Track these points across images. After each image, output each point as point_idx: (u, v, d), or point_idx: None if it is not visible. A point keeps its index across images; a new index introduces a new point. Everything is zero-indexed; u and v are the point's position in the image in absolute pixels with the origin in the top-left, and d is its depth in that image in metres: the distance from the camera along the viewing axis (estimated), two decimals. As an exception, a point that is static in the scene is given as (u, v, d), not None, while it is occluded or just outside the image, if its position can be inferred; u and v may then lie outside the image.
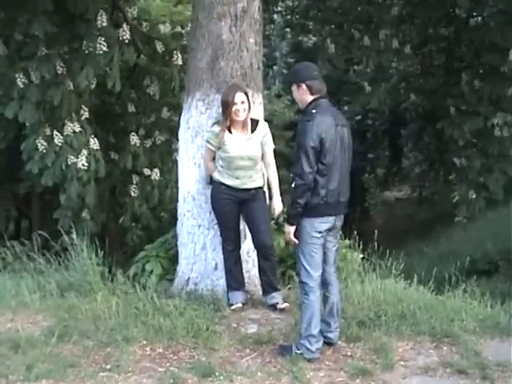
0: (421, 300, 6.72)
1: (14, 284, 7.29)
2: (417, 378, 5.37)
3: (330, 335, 5.80)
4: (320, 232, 5.50)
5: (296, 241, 5.56)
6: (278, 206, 6.67)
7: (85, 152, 9.81)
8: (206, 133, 6.82)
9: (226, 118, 6.38)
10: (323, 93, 5.59)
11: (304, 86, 5.55)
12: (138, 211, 11.23)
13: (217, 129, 6.49)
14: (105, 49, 9.50)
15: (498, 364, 5.52)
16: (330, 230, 5.61)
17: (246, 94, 6.45)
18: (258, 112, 6.99)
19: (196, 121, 6.95)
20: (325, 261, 5.69)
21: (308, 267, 5.52)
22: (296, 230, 5.57)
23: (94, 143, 10.03)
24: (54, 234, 9.27)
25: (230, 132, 6.45)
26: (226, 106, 6.33)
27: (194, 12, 7.16)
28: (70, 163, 9.71)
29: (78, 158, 9.73)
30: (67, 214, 10.60)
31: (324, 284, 5.71)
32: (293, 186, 5.40)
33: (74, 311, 6.49)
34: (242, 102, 6.35)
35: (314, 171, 5.35)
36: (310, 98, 5.54)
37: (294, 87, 5.64)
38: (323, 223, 5.51)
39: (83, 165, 9.70)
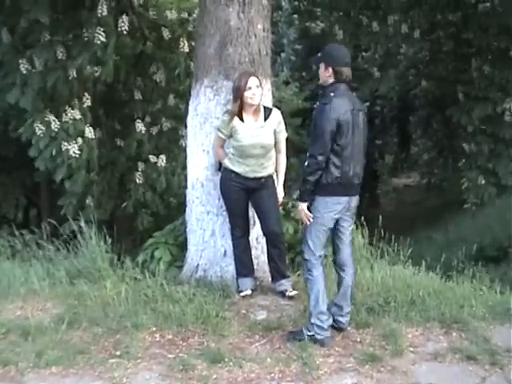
0: (430, 286, 6.70)
1: (24, 271, 7.31)
2: (426, 363, 5.37)
3: (341, 319, 5.82)
4: (333, 212, 5.55)
5: (310, 215, 5.60)
6: (280, 194, 6.73)
7: (79, 140, 9.80)
8: (214, 119, 6.82)
9: (237, 103, 6.35)
10: (347, 79, 5.64)
11: (331, 70, 5.58)
12: (141, 198, 11.24)
13: (227, 117, 6.47)
14: (102, 39, 9.45)
15: (507, 350, 5.52)
16: (344, 210, 5.66)
17: (259, 79, 6.44)
18: (267, 98, 6.97)
19: (204, 107, 6.93)
20: (341, 241, 5.80)
21: (312, 245, 5.60)
22: (309, 209, 5.64)
23: (89, 132, 10.01)
24: (62, 222, 9.30)
25: (242, 120, 6.42)
26: (239, 91, 6.30)
27: (202, -2, 7.13)
28: (63, 149, 9.71)
29: (71, 145, 9.73)
30: (72, 201, 10.63)
31: (340, 265, 5.80)
32: (305, 164, 5.53)
33: (83, 298, 6.51)
34: (257, 86, 6.34)
35: (327, 153, 5.44)
36: (332, 80, 5.60)
37: (322, 65, 5.66)
38: (336, 204, 5.56)
39: (74, 152, 9.69)
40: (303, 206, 5.62)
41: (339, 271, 5.82)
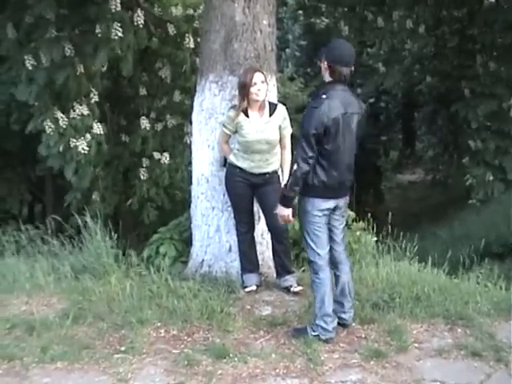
0: (435, 282, 6.69)
1: (29, 267, 7.31)
2: (431, 360, 5.36)
3: (343, 316, 5.81)
4: (321, 210, 5.50)
5: (293, 220, 5.68)
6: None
7: (88, 136, 9.81)
8: (219, 115, 6.82)
9: (244, 99, 6.35)
10: (345, 80, 5.48)
11: (327, 66, 5.47)
12: (146, 194, 11.25)
13: (232, 113, 6.47)
14: (120, 34, 9.47)
15: (512, 346, 5.52)
16: (334, 209, 5.62)
17: (264, 74, 6.43)
18: (272, 94, 6.96)
19: (210, 103, 6.93)
20: (333, 240, 5.72)
21: (314, 246, 5.55)
22: (298, 209, 5.65)
23: (98, 128, 10.01)
24: (67, 217, 9.31)
25: (247, 115, 6.42)
26: (245, 86, 6.29)
27: (207, -6, 7.12)
28: (72, 146, 9.72)
29: (79, 141, 9.74)
30: (77, 197, 10.65)
31: (334, 263, 5.74)
32: (294, 168, 5.39)
33: (88, 293, 6.51)
34: (262, 82, 6.33)
35: (314, 156, 5.35)
36: (329, 78, 5.48)
37: (322, 60, 5.52)
38: (324, 202, 5.50)
39: (83, 149, 9.69)
40: (287, 211, 5.55)
41: (334, 270, 5.77)
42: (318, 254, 5.56)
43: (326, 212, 5.55)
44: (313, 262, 5.60)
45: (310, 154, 5.32)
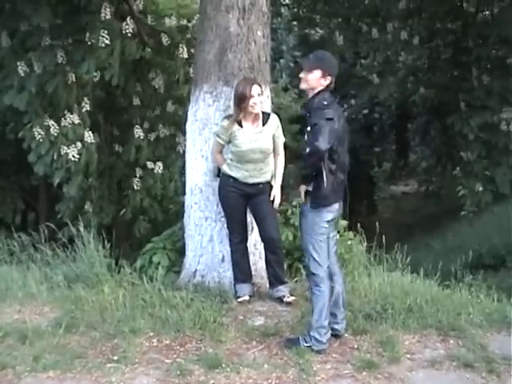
0: (427, 293, 6.71)
1: (21, 275, 7.30)
2: (423, 371, 5.38)
3: (336, 326, 5.82)
4: (328, 222, 5.57)
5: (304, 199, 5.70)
6: (277, 196, 6.64)
7: (79, 144, 9.79)
8: (213, 125, 6.84)
9: (240, 110, 6.36)
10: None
11: (329, 79, 5.56)
12: (139, 204, 11.23)
13: (226, 123, 6.48)
14: (107, 42, 9.45)
15: (504, 358, 5.53)
16: (333, 219, 5.67)
17: (260, 86, 6.46)
18: (266, 104, 6.98)
19: (204, 113, 6.95)
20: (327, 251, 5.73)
21: (318, 258, 5.57)
22: (301, 223, 5.71)
23: (89, 136, 9.99)
24: (60, 226, 9.30)
25: (241, 125, 6.44)
26: (242, 98, 6.29)
27: (202, 4, 7.15)
28: (62, 154, 9.70)
29: (70, 148, 9.72)
30: (69, 206, 10.62)
31: (329, 274, 5.73)
32: (307, 151, 5.43)
33: (81, 303, 6.51)
34: (259, 95, 6.36)
35: (327, 152, 5.37)
36: (321, 88, 5.56)
37: (317, 71, 5.55)
38: (330, 212, 5.57)
39: (73, 156, 9.68)
40: (304, 188, 5.67)
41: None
42: (321, 266, 5.58)
43: (331, 223, 5.63)
44: (315, 274, 5.61)
45: (326, 146, 5.34)
